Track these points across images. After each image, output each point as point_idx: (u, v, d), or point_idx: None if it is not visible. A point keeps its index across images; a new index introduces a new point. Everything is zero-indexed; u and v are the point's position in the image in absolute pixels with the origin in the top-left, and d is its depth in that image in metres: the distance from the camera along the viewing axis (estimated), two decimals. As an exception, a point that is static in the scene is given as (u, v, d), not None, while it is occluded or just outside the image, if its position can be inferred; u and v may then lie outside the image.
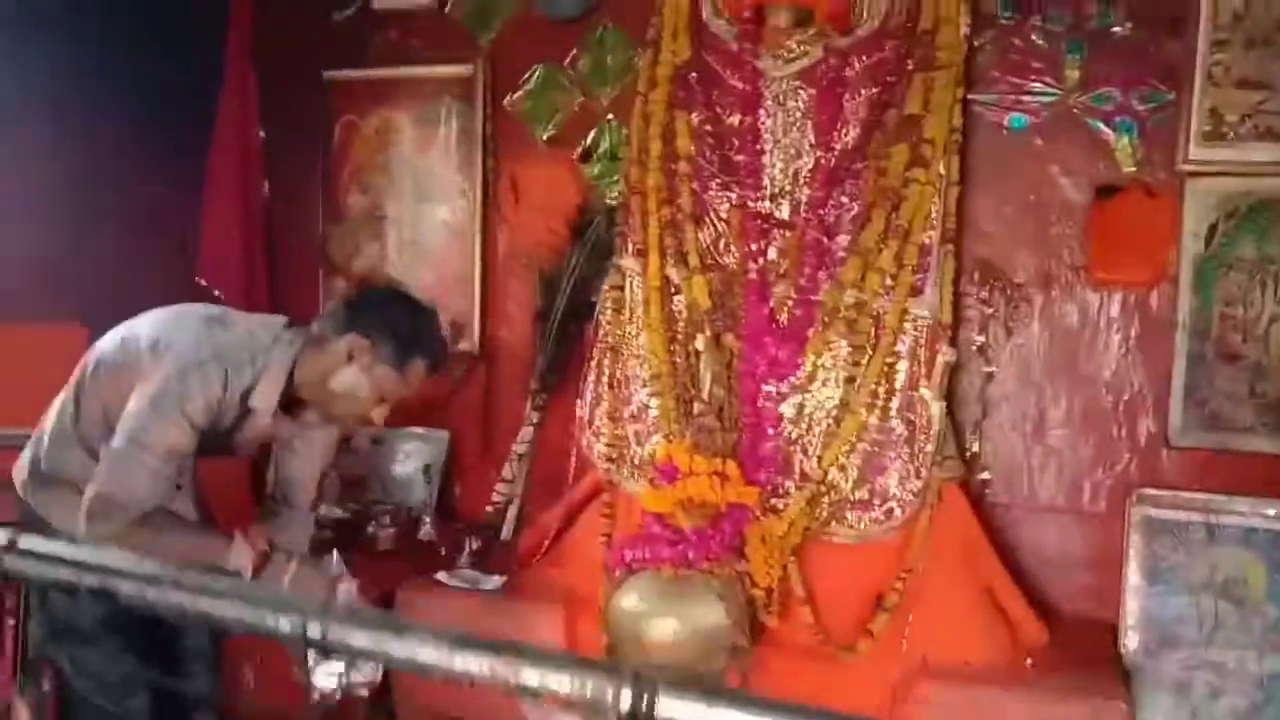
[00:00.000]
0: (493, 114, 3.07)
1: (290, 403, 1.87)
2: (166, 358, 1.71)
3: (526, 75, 3.04)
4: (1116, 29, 2.53)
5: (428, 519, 2.98)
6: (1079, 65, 2.55)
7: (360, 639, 0.97)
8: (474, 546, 2.83)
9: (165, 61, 2.99)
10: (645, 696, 0.87)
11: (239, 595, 1.03)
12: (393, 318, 1.76)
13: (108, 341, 1.89)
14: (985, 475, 2.67)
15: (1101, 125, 2.56)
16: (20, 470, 1.80)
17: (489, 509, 2.98)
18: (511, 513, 3.00)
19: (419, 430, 3.17)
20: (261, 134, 3.26)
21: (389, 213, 3.20)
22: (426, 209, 3.15)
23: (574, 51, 2.99)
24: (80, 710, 1.69)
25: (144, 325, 1.86)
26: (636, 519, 2.44)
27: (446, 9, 3.11)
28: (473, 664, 0.95)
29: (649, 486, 2.35)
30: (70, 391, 1.88)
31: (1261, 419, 2.50)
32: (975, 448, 2.67)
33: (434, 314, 1.89)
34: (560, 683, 0.91)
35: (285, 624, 0.99)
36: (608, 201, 2.91)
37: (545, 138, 3.04)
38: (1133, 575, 2.52)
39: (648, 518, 2.32)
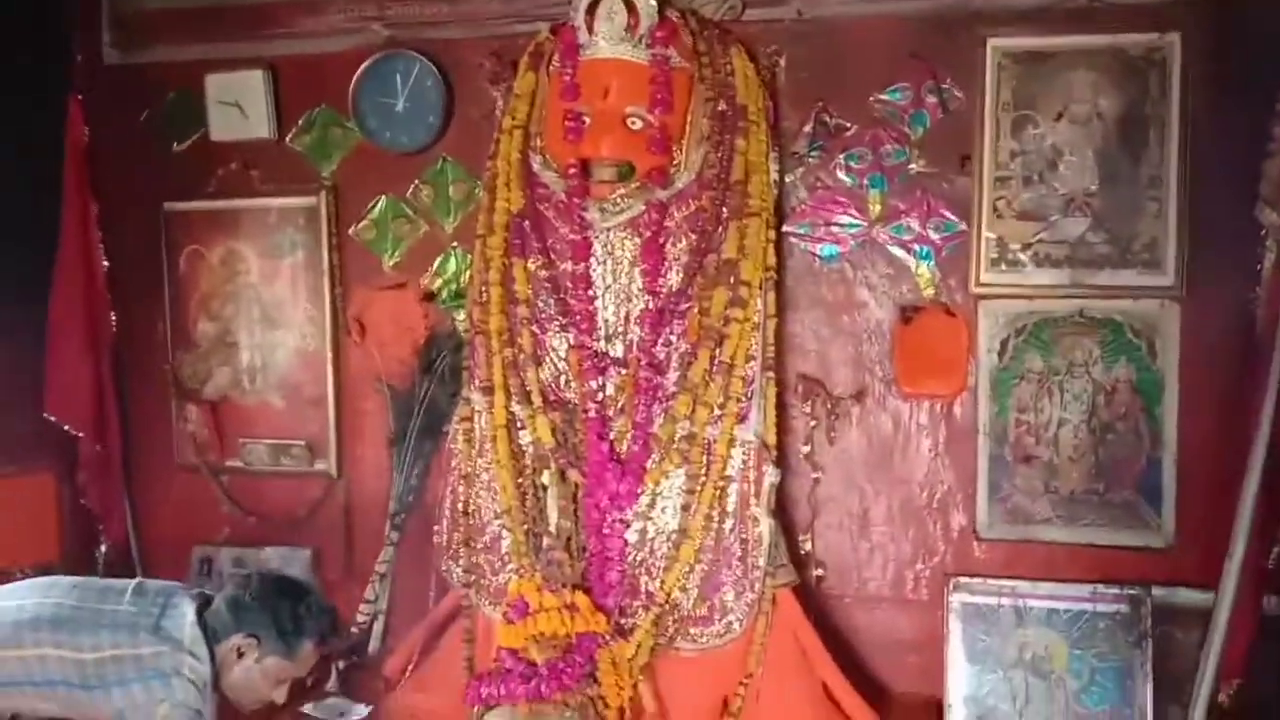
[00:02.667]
0: (338, 243, 3.15)
1: None
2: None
3: (370, 205, 3.13)
4: (912, 166, 2.79)
5: (292, 644, 3.03)
6: (880, 199, 2.80)
7: None
8: (340, 668, 2.91)
9: (2, 202, 2.98)
10: None
11: None
12: (274, 613, 1.84)
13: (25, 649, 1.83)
14: (819, 571, 2.89)
15: (903, 252, 2.81)
16: None
17: (354, 628, 3.05)
18: (376, 629, 3.09)
19: (281, 549, 3.21)
20: (105, 265, 3.25)
21: (240, 339, 3.24)
22: (277, 335, 3.21)
23: (415, 182, 3.09)
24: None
25: (82, 643, 1.80)
26: (495, 642, 2.57)
27: (287, 140, 3.17)
28: None
29: (503, 621, 2.48)
30: None
31: (1056, 512, 2.78)
32: (809, 546, 2.89)
33: (313, 594, 1.96)
34: None
35: None
36: (456, 326, 3.03)
37: (391, 265, 3.13)
38: (953, 655, 2.77)
39: (502, 652, 2.46)
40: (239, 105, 3.12)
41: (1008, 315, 2.77)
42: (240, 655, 1.83)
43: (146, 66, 3.25)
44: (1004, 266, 2.76)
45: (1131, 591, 2.68)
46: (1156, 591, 2.65)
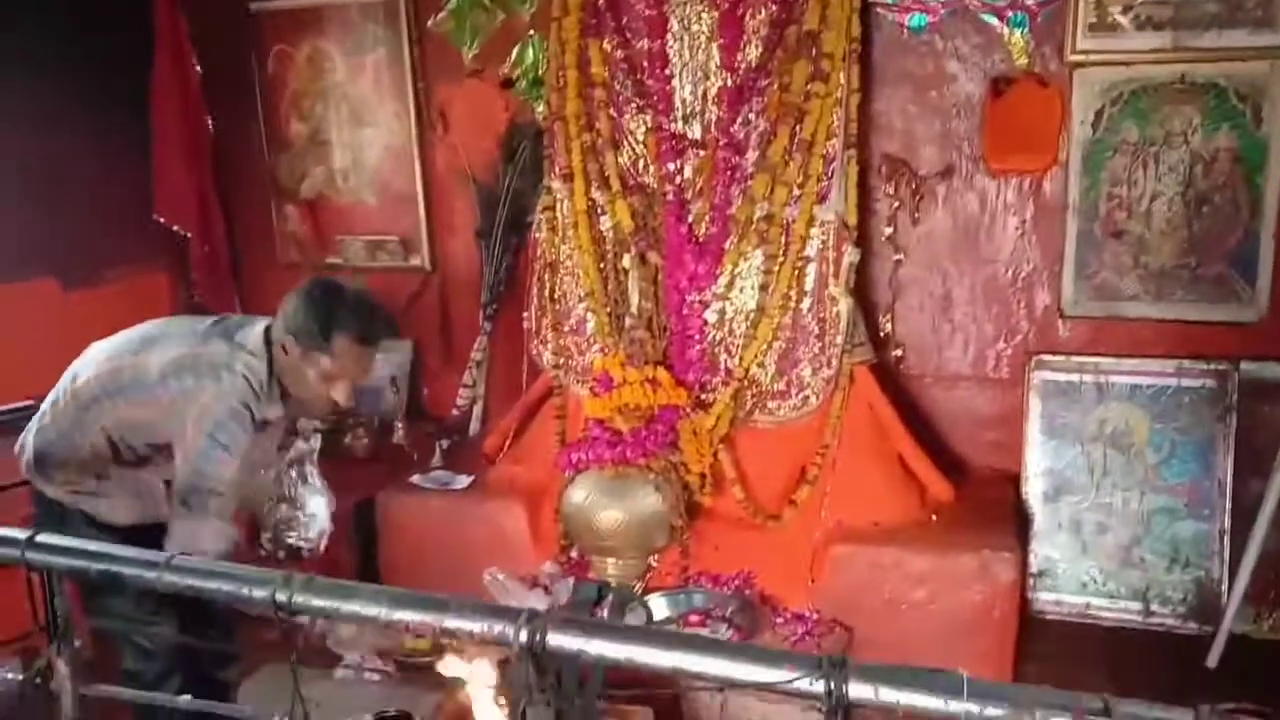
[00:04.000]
0: (418, 38, 3.16)
1: None
2: (193, 409, 1.83)
3: (448, -4, 3.12)
4: (1007, -71, 2.63)
5: (400, 425, 3.25)
6: (973, -37, 2.66)
7: (319, 602, 1.24)
8: (444, 447, 3.12)
9: (97, 24, 3.06)
10: (538, 634, 1.14)
11: (221, 573, 1.30)
12: (309, 308, 1.89)
13: (103, 368, 1.91)
14: (898, 352, 2.93)
15: (995, 20, 2.68)
16: (25, 451, 1.98)
17: (454, 411, 3.25)
18: (476, 412, 3.28)
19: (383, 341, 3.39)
20: (198, 70, 3.34)
21: (330, 138, 3.33)
22: (365, 133, 3.29)
23: (492, -30, 3.06)
24: (118, 654, 1.96)
25: (153, 356, 1.88)
26: (583, 419, 2.71)
27: (367, -66, 3.15)
28: (408, 615, 1.22)
29: (590, 395, 2.61)
30: (66, 402, 1.92)
31: (1145, 288, 2.74)
32: (889, 328, 2.92)
33: (357, 295, 1.97)
34: (474, 626, 1.19)
35: (259, 593, 1.25)
36: (536, 116, 3.04)
37: (471, 56, 3.13)
38: (1032, 432, 2.83)
39: (590, 422, 2.60)
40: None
41: (1104, 83, 2.66)
42: (286, 352, 1.91)
43: None
44: (1102, 32, 2.62)
45: (1219, 366, 2.66)
46: (1245, 366, 2.63)
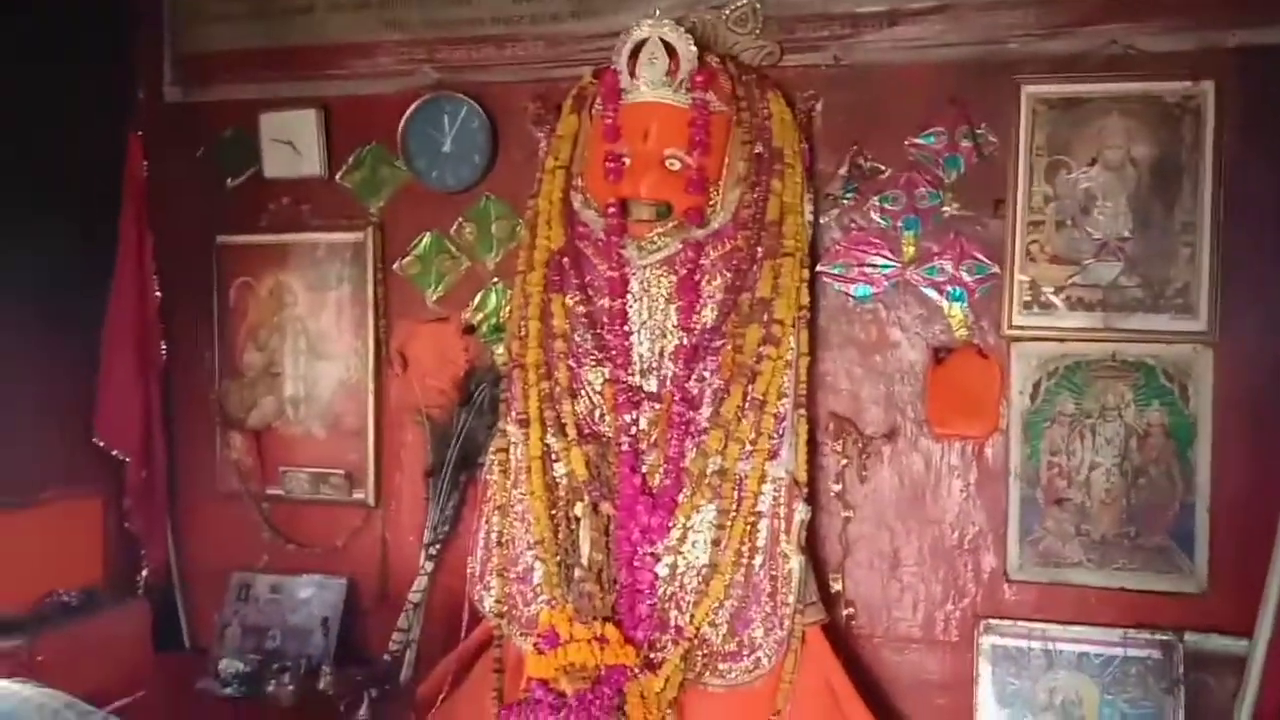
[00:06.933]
0: (383, 278, 3.24)
1: None
2: None
3: (414, 241, 3.22)
4: (946, 209, 2.83)
5: (327, 670, 3.08)
6: (914, 241, 2.84)
7: None
8: (373, 695, 2.95)
9: (63, 231, 3.10)
10: None
11: None
12: None
13: None
14: (849, 610, 2.90)
15: (935, 294, 2.85)
16: None
17: (387, 656, 3.10)
18: (409, 657, 3.13)
19: (318, 577, 3.28)
20: (158, 294, 3.37)
21: (285, 369, 3.33)
22: (321, 366, 3.30)
23: (459, 219, 3.18)
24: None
25: None
26: (524, 673, 2.60)
27: (337, 177, 3.29)
28: None
29: (533, 651, 2.52)
30: None
31: (1088, 555, 2.77)
32: (839, 585, 2.90)
33: None
34: None
35: None
36: (495, 358, 3.10)
37: (434, 299, 3.21)
38: (983, 698, 2.77)
39: (532, 683, 2.49)
40: (292, 143, 3.23)
41: (1040, 357, 2.79)
42: None
43: (204, 105, 3.38)
44: (1036, 309, 2.78)
45: (1164, 637, 2.67)
46: (1189, 637, 2.64)
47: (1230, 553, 2.63)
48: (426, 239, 3.22)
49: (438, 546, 3.12)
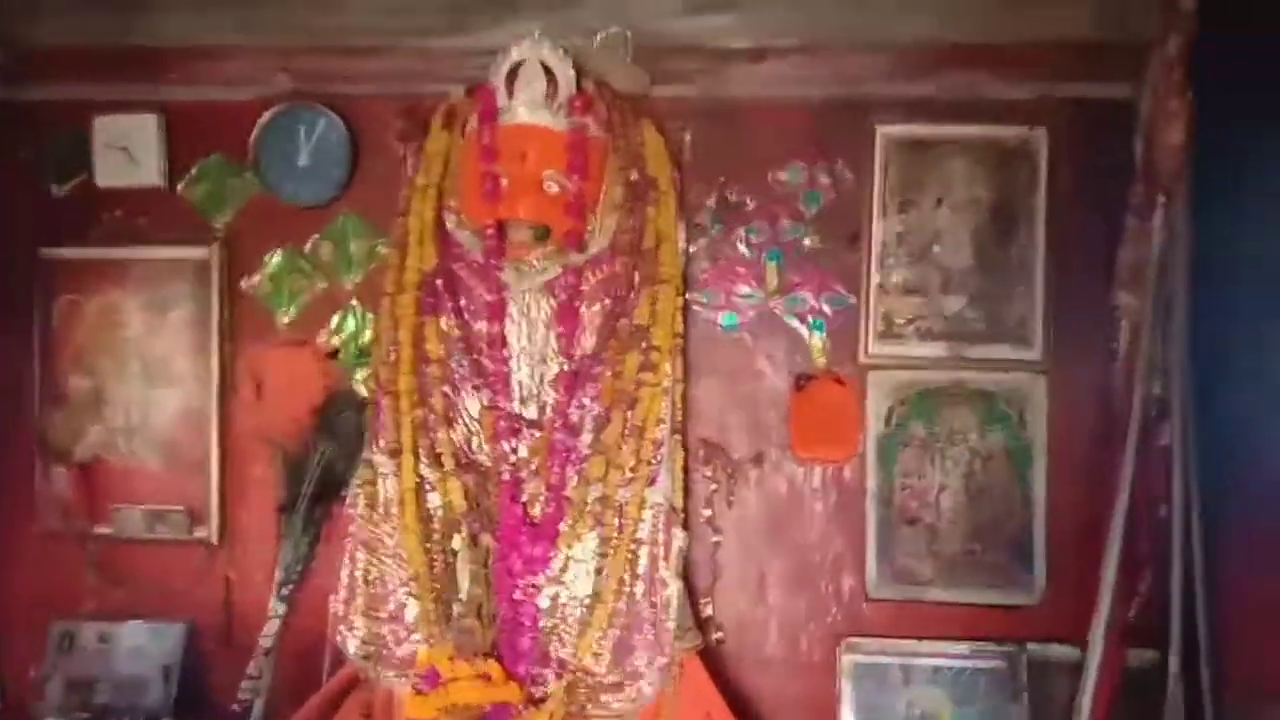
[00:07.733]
0: (229, 298, 3.04)
1: None
2: None
3: (265, 259, 3.04)
4: (806, 241, 2.94)
5: (165, 724, 2.84)
6: (777, 272, 2.94)
7: None
8: (219, 747, 2.74)
9: None
10: None
11: None
12: None
13: None
14: (719, 634, 2.93)
15: (798, 323, 2.95)
16: None
17: (235, 706, 2.88)
18: (258, 707, 2.92)
19: (153, 623, 3.01)
20: (-29, 314, 3.03)
21: (115, 396, 3.06)
22: (157, 393, 3.04)
23: (315, 237, 3.03)
24: None
25: None
26: (401, 714, 2.49)
27: (179, 189, 3.06)
28: None
29: (411, 692, 2.41)
30: None
31: (938, 572, 2.93)
32: (710, 610, 2.93)
33: None
34: None
35: None
36: (357, 384, 2.96)
37: (286, 321, 3.04)
38: (845, 716, 2.87)
39: (411, 726, 2.39)
40: (128, 150, 2.99)
41: (893, 385, 2.94)
42: None
43: (31, 104, 3.08)
44: (890, 339, 2.93)
45: (1008, 648, 2.84)
46: (1031, 647, 2.83)
47: (1066, 567, 2.84)
48: (278, 257, 3.04)
49: (290, 586, 2.93)
